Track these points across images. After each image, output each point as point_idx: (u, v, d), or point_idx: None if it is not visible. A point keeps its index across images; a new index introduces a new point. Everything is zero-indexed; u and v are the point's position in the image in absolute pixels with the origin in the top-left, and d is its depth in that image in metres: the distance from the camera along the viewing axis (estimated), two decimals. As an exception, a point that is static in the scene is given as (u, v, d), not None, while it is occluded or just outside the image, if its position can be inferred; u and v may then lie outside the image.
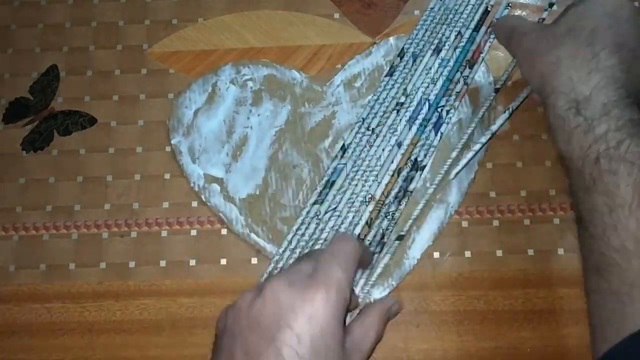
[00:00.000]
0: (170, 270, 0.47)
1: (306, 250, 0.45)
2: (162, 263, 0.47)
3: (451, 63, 0.50)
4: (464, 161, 0.46)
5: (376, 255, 0.45)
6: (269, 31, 0.53)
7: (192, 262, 0.47)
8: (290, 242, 0.46)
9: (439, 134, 0.48)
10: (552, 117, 0.36)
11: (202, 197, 0.48)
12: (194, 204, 0.48)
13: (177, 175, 0.50)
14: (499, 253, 0.46)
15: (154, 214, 0.49)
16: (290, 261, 0.45)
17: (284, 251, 0.46)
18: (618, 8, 0.37)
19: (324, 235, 0.46)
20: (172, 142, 0.49)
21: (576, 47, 0.36)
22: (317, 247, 0.46)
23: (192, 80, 0.51)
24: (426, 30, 0.52)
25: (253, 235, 0.47)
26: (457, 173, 0.46)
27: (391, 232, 0.46)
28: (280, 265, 0.45)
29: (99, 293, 0.46)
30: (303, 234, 0.46)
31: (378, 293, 0.45)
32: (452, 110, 0.49)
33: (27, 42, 0.54)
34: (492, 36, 0.51)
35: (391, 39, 0.52)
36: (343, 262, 0.34)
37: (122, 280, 0.47)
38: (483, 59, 0.51)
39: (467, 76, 0.50)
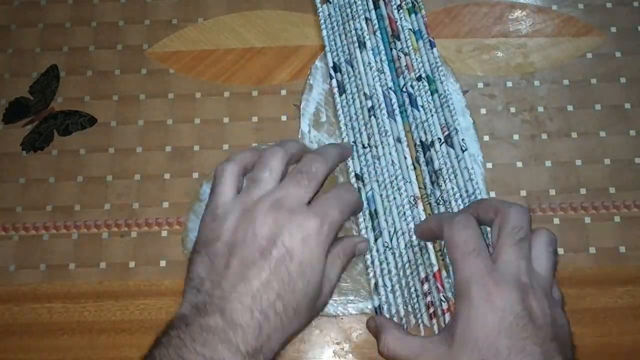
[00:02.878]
0: (170, 270, 0.47)
1: (398, 285, 0.45)
2: (162, 263, 0.47)
3: (381, 46, 0.50)
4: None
5: None
6: (269, 31, 0.53)
7: (192, 262, 0.47)
8: (378, 283, 0.44)
9: (420, 109, 0.49)
10: None
11: None
12: (194, 204, 0.49)
13: (177, 175, 0.50)
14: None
15: (154, 214, 0.49)
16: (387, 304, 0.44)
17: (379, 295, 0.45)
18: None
19: (405, 259, 0.45)
20: None
21: None
22: (408, 273, 0.45)
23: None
24: (338, 35, 0.52)
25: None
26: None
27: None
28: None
29: (99, 293, 0.46)
30: (388, 270, 0.45)
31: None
32: (414, 82, 0.49)
33: (27, 42, 0.54)
34: (395, 3, 0.52)
35: (317, 62, 0.52)
36: (341, 206, 0.39)
37: (122, 280, 0.47)
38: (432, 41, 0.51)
39: (402, 48, 0.51)
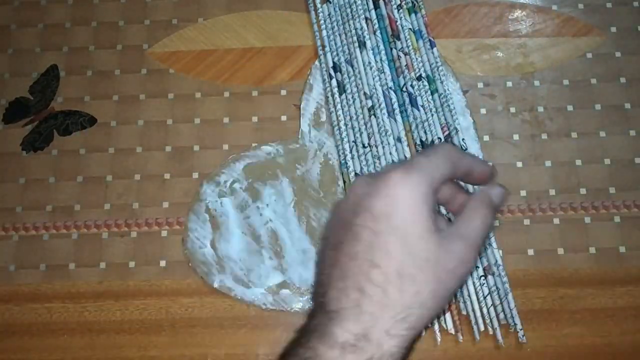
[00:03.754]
0: (170, 270, 0.47)
1: None
2: (162, 263, 0.47)
3: (381, 46, 0.50)
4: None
5: None
6: (269, 31, 0.53)
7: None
8: None
9: (420, 108, 0.49)
10: None
11: (281, 307, 0.46)
12: (194, 204, 0.48)
13: (177, 175, 0.50)
14: (500, 253, 0.46)
15: (154, 214, 0.49)
16: None
17: None
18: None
19: None
20: (215, 285, 0.46)
21: None
22: None
23: (186, 206, 0.51)
24: (338, 35, 0.52)
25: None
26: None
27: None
28: None
29: (99, 293, 0.46)
30: None
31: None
32: (414, 82, 0.49)
33: (27, 42, 0.54)
34: (395, 3, 0.52)
35: (316, 62, 0.52)
36: (430, 153, 0.30)
37: (122, 280, 0.47)
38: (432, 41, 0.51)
39: (402, 48, 0.50)
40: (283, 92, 0.52)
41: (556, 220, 0.48)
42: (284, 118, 0.51)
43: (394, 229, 0.27)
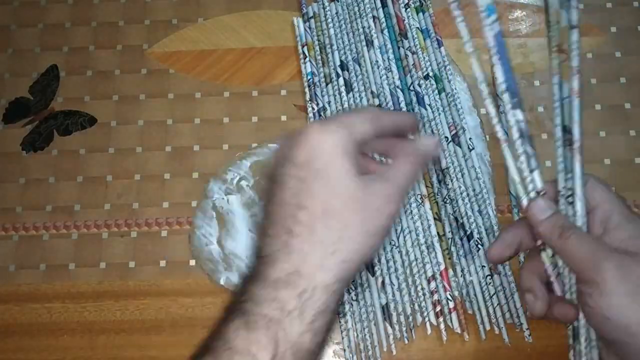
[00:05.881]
0: (170, 270, 0.47)
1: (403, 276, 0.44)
2: (162, 263, 0.47)
3: (389, 45, 0.51)
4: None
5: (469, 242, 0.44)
6: (269, 31, 0.53)
7: (192, 262, 0.47)
8: (385, 281, 0.45)
9: (427, 107, 0.49)
10: None
11: None
12: (194, 204, 0.48)
13: (177, 175, 0.50)
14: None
15: (154, 214, 0.48)
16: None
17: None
18: None
19: (411, 257, 0.45)
20: (222, 283, 0.46)
21: None
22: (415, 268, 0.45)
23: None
24: (346, 34, 0.52)
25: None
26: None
27: (462, 214, 0.45)
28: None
29: (99, 293, 0.46)
30: (395, 268, 0.45)
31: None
32: (422, 81, 0.49)
33: (27, 42, 0.54)
34: (402, 2, 0.52)
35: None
36: (350, 112, 0.33)
37: (122, 280, 0.47)
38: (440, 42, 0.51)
39: (409, 47, 0.50)
40: (283, 92, 0.52)
41: (556, 220, 0.47)
42: (284, 118, 0.51)
43: (316, 173, 0.29)
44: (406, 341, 0.43)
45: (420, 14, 0.52)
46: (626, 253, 0.30)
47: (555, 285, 0.33)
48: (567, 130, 0.33)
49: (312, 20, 0.52)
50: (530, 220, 0.33)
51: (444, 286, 0.44)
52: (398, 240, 0.45)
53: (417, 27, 0.51)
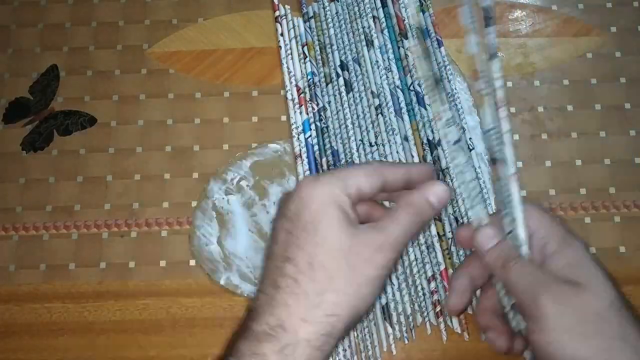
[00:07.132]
0: (170, 270, 0.47)
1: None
2: (162, 263, 0.47)
3: (389, 45, 0.51)
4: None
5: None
6: (269, 31, 0.53)
7: (192, 262, 0.47)
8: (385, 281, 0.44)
9: (427, 107, 0.49)
10: None
11: None
12: (194, 204, 0.48)
13: (177, 175, 0.50)
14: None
15: (154, 214, 0.48)
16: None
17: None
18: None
19: (411, 257, 0.45)
20: (222, 283, 0.46)
21: None
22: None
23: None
24: (346, 34, 0.52)
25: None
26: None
27: (461, 213, 0.46)
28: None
29: (99, 293, 0.46)
30: (395, 268, 0.45)
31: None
32: (422, 80, 0.49)
33: (27, 42, 0.54)
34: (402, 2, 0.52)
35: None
36: (351, 166, 0.34)
37: (122, 280, 0.47)
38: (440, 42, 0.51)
39: (409, 47, 0.50)
40: (283, 92, 0.52)
41: (556, 220, 0.48)
42: (284, 118, 0.51)
43: (304, 225, 0.29)
44: (406, 341, 0.43)
45: (421, 14, 0.52)
46: (566, 282, 0.30)
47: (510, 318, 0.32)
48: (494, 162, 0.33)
49: (312, 20, 0.52)
50: (477, 250, 0.33)
51: (444, 286, 0.44)
52: None
53: (417, 27, 0.51)
